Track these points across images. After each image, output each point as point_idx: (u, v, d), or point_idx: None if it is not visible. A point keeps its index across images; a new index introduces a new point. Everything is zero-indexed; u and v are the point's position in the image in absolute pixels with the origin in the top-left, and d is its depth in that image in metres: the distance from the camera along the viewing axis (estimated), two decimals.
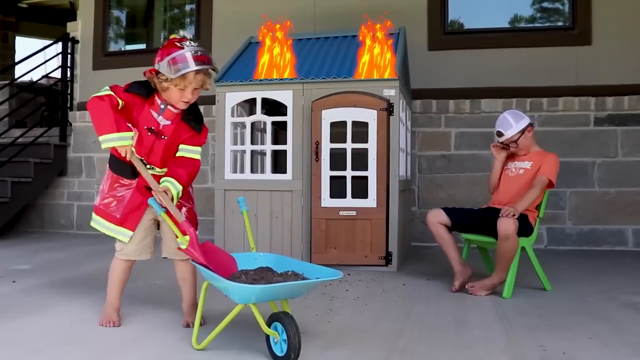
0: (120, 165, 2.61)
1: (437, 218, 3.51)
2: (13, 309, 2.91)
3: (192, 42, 2.49)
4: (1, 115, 6.49)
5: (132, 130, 2.53)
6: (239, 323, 2.43)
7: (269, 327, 2.14)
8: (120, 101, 2.51)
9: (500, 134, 3.60)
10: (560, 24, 5.68)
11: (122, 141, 2.46)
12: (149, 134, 2.58)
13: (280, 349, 2.11)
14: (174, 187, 2.51)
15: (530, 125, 3.58)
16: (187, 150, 2.66)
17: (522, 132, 3.53)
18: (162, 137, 2.60)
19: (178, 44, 2.46)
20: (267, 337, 2.18)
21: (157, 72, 2.50)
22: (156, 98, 2.59)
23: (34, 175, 6.03)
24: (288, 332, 2.06)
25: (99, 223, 2.68)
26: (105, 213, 2.64)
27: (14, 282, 3.61)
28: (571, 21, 5.50)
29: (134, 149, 2.53)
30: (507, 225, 3.16)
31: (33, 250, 5.07)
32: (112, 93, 2.49)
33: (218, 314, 2.61)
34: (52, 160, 6.34)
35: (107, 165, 2.71)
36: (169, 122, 2.60)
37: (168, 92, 2.52)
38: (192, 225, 2.51)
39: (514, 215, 3.19)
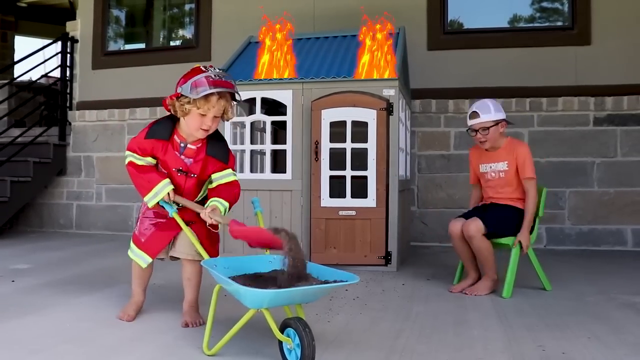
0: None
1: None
2: (12, 309, 2.91)
3: (216, 69, 2.50)
4: (0, 115, 6.48)
5: (164, 177, 2.60)
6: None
7: (282, 333, 2.08)
8: (142, 160, 2.60)
9: (475, 115, 3.40)
10: (559, 23, 5.68)
11: (160, 193, 2.57)
12: (179, 174, 2.63)
13: (294, 356, 2.04)
14: (221, 204, 2.55)
15: (506, 121, 3.45)
16: (220, 177, 2.66)
17: (496, 123, 3.39)
18: (192, 175, 2.63)
19: (202, 68, 2.47)
20: (280, 343, 2.12)
21: (179, 97, 2.48)
22: (175, 137, 2.61)
23: (33, 174, 6.02)
24: (302, 341, 1.98)
25: (130, 247, 2.77)
26: (135, 236, 2.74)
27: (13, 281, 3.60)
28: (570, 21, 5.50)
29: (172, 192, 2.59)
30: (467, 227, 3.30)
31: (32, 249, 5.07)
32: (133, 157, 2.60)
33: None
34: (52, 159, 6.34)
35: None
36: (191, 160, 2.62)
37: (189, 118, 2.50)
38: (215, 245, 2.73)
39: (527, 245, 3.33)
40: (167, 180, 2.59)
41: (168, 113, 2.62)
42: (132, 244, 2.76)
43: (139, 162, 2.61)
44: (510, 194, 3.43)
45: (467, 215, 3.45)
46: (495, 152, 3.47)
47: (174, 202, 2.61)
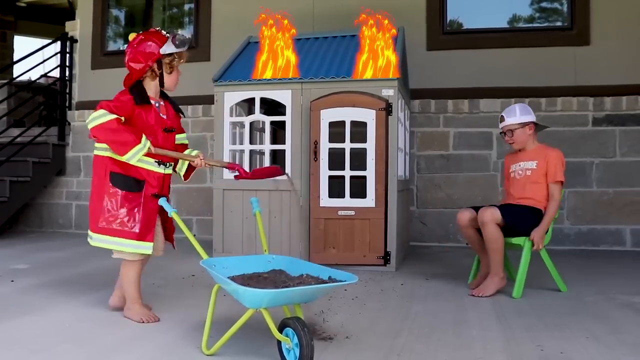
0: (125, 180, 2.66)
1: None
2: (11, 309, 2.91)
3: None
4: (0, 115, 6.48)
5: (140, 133, 2.64)
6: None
7: (281, 332, 2.08)
8: (122, 118, 2.63)
9: (502, 119, 3.58)
10: (558, 24, 5.68)
11: (144, 148, 2.60)
12: (166, 133, 2.76)
13: (293, 356, 2.04)
14: (199, 152, 2.83)
15: (534, 124, 3.54)
16: (181, 139, 2.93)
17: (523, 125, 3.50)
18: (173, 130, 2.80)
19: (162, 31, 2.74)
20: (279, 343, 2.12)
21: (160, 59, 2.70)
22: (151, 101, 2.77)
23: (33, 174, 6.02)
24: (301, 341, 1.98)
25: (113, 242, 2.66)
26: (122, 232, 2.64)
27: (12, 281, 3.61)
28: (570, 21, 5.51)
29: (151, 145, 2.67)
30: (481, 213, 3.32)
31: (31, 249, 5.07)
32: (114, 115, 2.57)
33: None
34: (51, 159, 6.34)
35: (108, 184, 2.67)
36: (166, 116, 2.80)
37: (173, 75, 2.77)
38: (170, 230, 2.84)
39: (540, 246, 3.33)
40: (143, 135, 2.64)
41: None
42: (115, 238, 2.65)
43: (108, 118, 2.57)
44: (530, 195, 3.44)
45: (477, 208, 3.47)
46: (526, 152, 3.55)
47: (161, 162, 2.72)
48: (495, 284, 3.33)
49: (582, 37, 5.41)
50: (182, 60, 2.77)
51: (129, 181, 2.66)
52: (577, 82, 5.38)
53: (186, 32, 2.81)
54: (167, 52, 2.68)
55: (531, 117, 3.54)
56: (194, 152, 2.80)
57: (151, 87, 2.75)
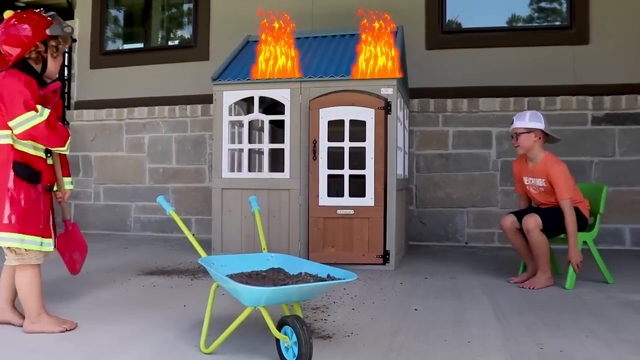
0: (28, 170, 2.41)
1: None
2: None
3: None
4: None
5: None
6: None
7: (279, 330, 2.07)
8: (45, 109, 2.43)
9: (512, 121, 3.68)
10: (558, 23, 5.68)
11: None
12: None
13: (292, 354, 2.03)
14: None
15: (542, 132, 3.58)
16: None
17: (528, 131, 3.56)
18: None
19: (38, 11, 2.46)
20: (278, 341, 2.12)
21: (46, 41, 2.43)
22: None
23: None
24: (299, 339, 1.98)
25: (17, 240, 2.36)
26: (25, 227, 2.37)
27: None
28: (569, 20, 5.51)
29: None
30: (526, 221, 3.45)
31: None
32: (42, 115, 2.37)
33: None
34: None
35: (11, 175, 2.37)
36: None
37: (58, 59, 2.52)
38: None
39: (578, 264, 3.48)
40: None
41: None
42: (19, 235, 2.35)
43: (46, 115, 2.37)
44: (555, 201, 3.55)
45: (517, 213, 3.62)
46: (535, 166, 3.61)
47: (48, 151, 2.51)
48: (545, 281, 3.48)
49: (581, 36, 5.41)
50: (66, 46, 2.53)
51: (30, 171, 2.41)
52: (576, 81, 5.38)
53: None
54: (55, 34, 2.43)
55: (539, 125, 3.58)
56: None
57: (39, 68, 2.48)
